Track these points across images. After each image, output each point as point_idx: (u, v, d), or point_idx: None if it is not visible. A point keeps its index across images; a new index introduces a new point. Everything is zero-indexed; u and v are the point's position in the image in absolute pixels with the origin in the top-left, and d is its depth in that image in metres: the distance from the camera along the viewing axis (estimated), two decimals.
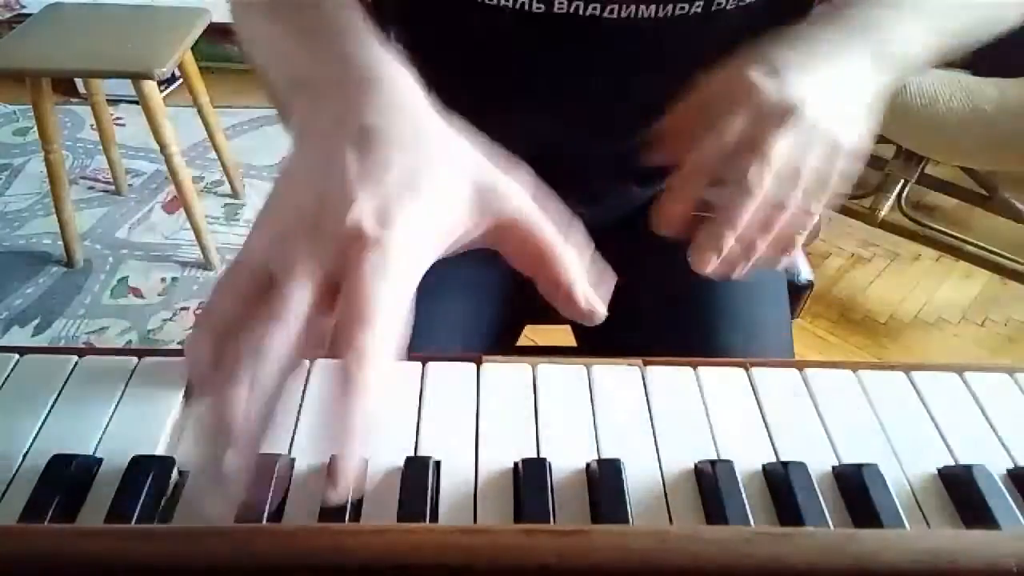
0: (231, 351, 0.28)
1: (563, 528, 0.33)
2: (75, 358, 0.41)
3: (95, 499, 0.35)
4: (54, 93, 1.55)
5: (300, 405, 0.39)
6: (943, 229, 1.73)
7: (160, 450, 0.37)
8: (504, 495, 0.36)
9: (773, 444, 0.39)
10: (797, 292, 0.75)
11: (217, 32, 1.75)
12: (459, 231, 0.32)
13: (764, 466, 0.37)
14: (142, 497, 0.34)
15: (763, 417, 0.40)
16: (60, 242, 1.72)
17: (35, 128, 1.56)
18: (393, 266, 0.29)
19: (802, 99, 0.39)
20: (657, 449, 0.38)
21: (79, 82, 2.22)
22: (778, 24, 0.55)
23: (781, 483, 0.36)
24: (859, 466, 0.37)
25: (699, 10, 0.48)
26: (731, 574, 0.28)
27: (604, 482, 0.36)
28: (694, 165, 0.42)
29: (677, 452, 0.38)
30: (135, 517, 0.33)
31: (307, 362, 0.41)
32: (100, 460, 0.36)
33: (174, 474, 0.36)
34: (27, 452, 0.37)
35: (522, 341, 0.79)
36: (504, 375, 0.42)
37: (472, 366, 0.42)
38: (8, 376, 0.40)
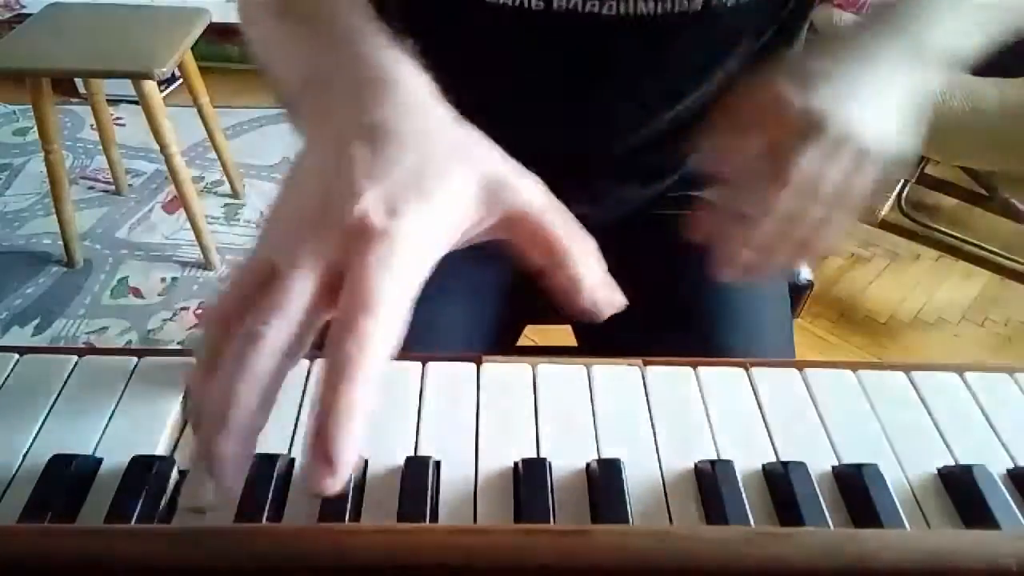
0: (230, 342, 0.28)
1: (563, 528, 0.33)
2: (75, 358, 0.41)
3: (95, 499, 0.35)
4: (54, 93, 1.55)
5: (300, 405, 0.39)
6: (943, 229, 1.73)
7: (160, 450, 0.37)
8: (504, 495, 0.36)
9: (773, 444, 0.39)
10: (797, 292, 0.75)
11: (217, 32, 1.75)
12: (467, 225, 0.31)
13: (764, 466, 0.37)
14: (142, 497, 0.34)
15: (763, 417, 0.40)
16: (60, 242, 1.72)
17: (35, 128, 1.56)
18: (399, 258, 0.28)
19: (829, 110, 0.38)
20: (657, 449, 0.38)
21: (79, 82, 2.22)
22: (777, 22, 0.55)
23: (781, 483, 0.36)
24: (859, 466, 0.37)
25: (698, 7, 0.48)
26: (731, 574, 0.28)
27: (604, 482, 0.36)
28: (729, 185, 0.42)
29: (677, 452, 0.38)
30: (135, 517, 0.33)
31: (307, 362, 0.42)
32: (100, 460, 0.36)
33: (174, 474, 0.36)
34: (27, 452, 0.37)
35: (522, 341, 0.79)
36: (504, 375, 0.42)
37: (472, 366, 0.42)
38: (8, 376, 0.40)
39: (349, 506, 0.34)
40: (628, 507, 0.35)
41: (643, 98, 0.57)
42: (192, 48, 1.59)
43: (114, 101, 2.09)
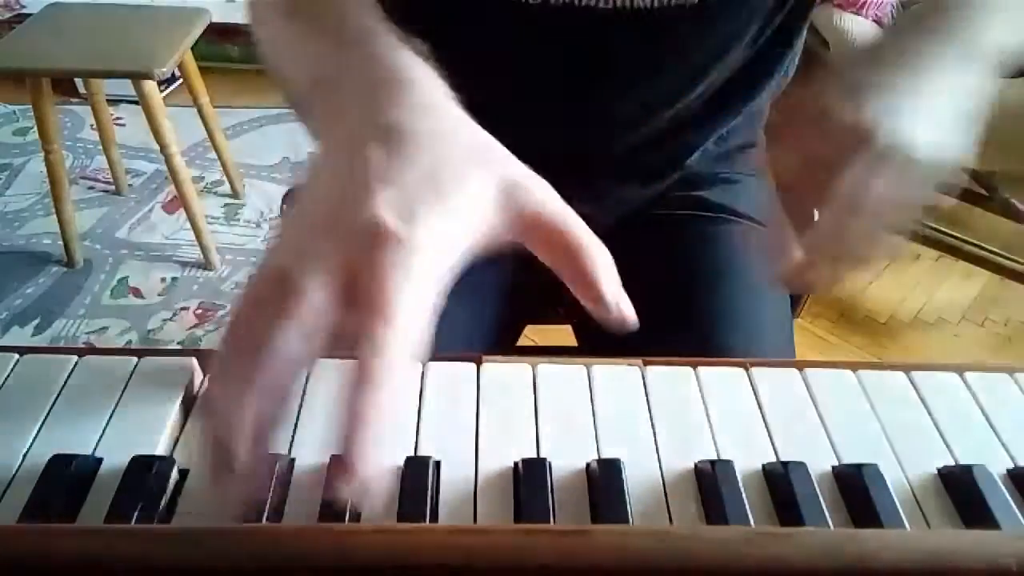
0: (248, 350, 0.27)
1: (563, 528, 0.33)
2: (75, 358, 0.41)
3: (95, 499, 0.35)
4: (54, 93, 1.55)
5: (300, 405, 0.39)
6: (943, 229, 1.73)
7: (160, 450, 0.37)
8: (504, 495, 0.36)
9: (773, 444, 0.39)
10: (797, 292, 0.75)
11: (217, 32, 1.75)
12: (484, 228, 0.31)
13: (764, 466, 0.37)
14: (142, 497, 0.34)
15: (763, 417, 0.40)
16: (60, 242, 1.72)
17: (35, 128, 1.56)
18: (416, 264, 0.28)
19: (879, 123, 0.37)
20: (657, 449, 0.38)
21: (79, 82, 2.22)
22: (775, 19, 0.54)
23: (781, 483, 0.36)
24: (859, 466, 0.37)
25: (695, 1, 0.48)
26: (731, 574, 0.28)
27: (604, 482, 0.36)
28: (775, 199, 0.41)
29: (677, 452, 0.38)
30: (135, 517, 0.33)
31: None
32: (100, 460, 0.36)
33: (174, 474, 0.36)
34: (27, 452, 0.37)
35: (522, 341, 0.79)
36: (504, 375, 0.42)
37: (472, 366, 0.42)
38: (8, 376, 0.40)
39: (349, 506, 0.34)
40: (628, 507, 0.35)
41: (642, 96, 0.57)
42: (192, 48, 1.59)
43: (114, 101, 2.09)
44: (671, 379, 0.42)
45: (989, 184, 1.66)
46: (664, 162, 0.65)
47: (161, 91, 1.74)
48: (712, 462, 0.36)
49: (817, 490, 0.36)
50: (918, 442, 0.39)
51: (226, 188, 1.99)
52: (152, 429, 0.38)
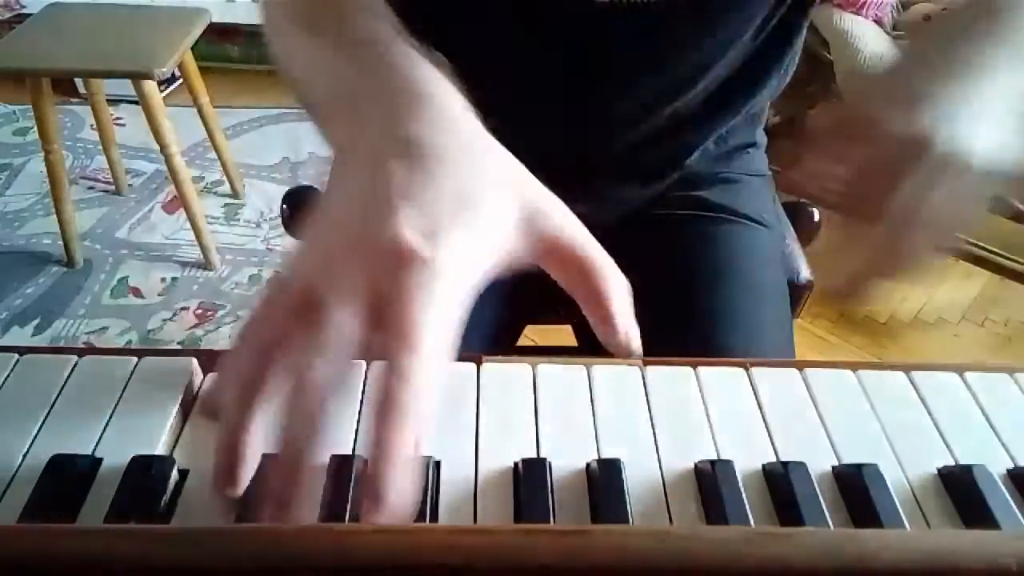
0: (275, 372, 0.28)
1: (563, 528, 0.33)
2: (75, 358, 0.41)
3: (95, 499, 0.35)
4: (54, 93, 1.55)
5: None
6: None
7: (160, 450, 0.37)
8: (504, 495, 0.36)
9: (773, 444, 0.39)
10: (797, 292, 0.75)
11: (217, 32, 1.76)
12: (503, 249, 0.31)
13: (764, 466, 0.37)
14: (142, 497, 0.34)
15: (763, 417, 0.40)
16: (60, 242, 1.72)
17: (35, 128, 1.56)
18: (440, 287, 0.28)
19: (934, 133, 0.35)
20: (657, 449, 0.38)
21: (79, 82, 2.22)
22: (773, 16, 0.54)
23: (781, 483, 0.36)
24: (859, 466, 0.37)
25: None
26: (731, 574, 0.28)
27: (604, 482, 0.36)
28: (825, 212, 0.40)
29: (677, 452, 0.38)
30: (135, 517, 0.33)
31: None
32: (100, 460, 0.36)
33: (174, 474, 0.36)
34: (27, 452, 0.37)
35: (522, 341, 0.79)
36: (504, 375, 0.42)
37: (472, 366, 0.42)
38: (8, 376, 0.40)
39: (349, 506, 0.34)
40: (628, 507, 0.35)
41: (642, 94, 0.57)
42: (192, 48, 1.60)
43: (114, 101, 2.09)
44: (671, 379, 0.42)
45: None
46: (664, 162, 0.65)
47: (161, 91, 1.74)
48: (712, 462, 0.36)
49: (817, 490, 0.36)
50: (918, 442, 0.39)
51: (226, 188, 1.99)
52: (152, 429, 0.38)
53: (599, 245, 0.33)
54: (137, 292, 1.70)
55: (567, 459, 0.37)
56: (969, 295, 1.73)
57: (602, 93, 0.57)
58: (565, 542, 0.28)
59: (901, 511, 0.35)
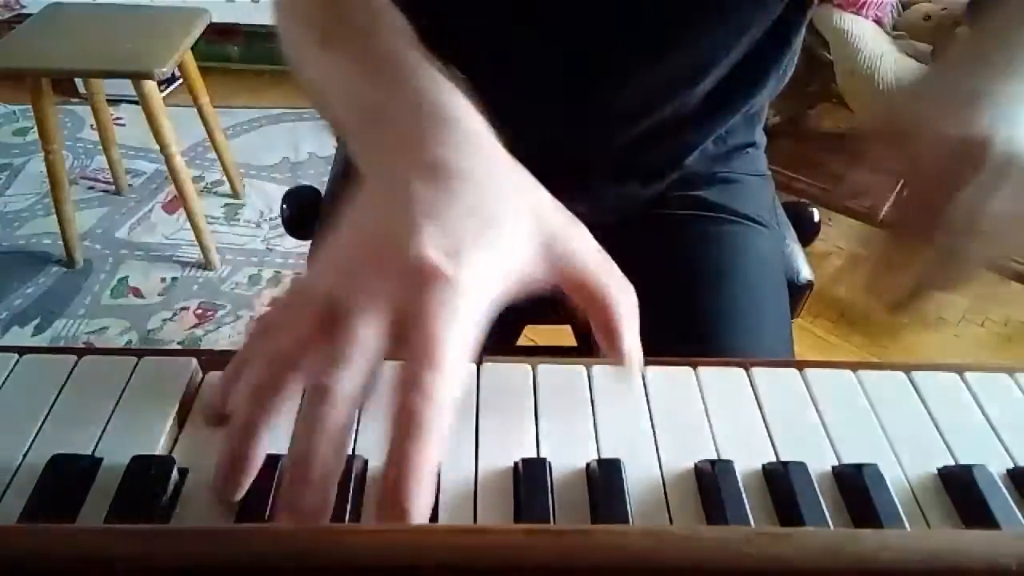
0: (292, 380, 0.28)
1: (563, 528, 0.33)
2: (75, 358, 0.41)
3: (95, 499, 0.35)
4: (54, 93, 1.55)
5: (300, 406, 0.39)
6: None
7: (160, 450, 0.37)
8: (504, 495, 0.36)
9: (773, 444, 0.39)
10: (797, 292, 0.75)
11: (217, 32, 1.76)
12: (522, 271, 0.32)
13: (764, 466, 0.37)
14: (142, 497, 0.34)
15: (763, 417, 0.40)
16: (60, 242, 1.72)
17: (35, 128, 1.56)
18: (462, 306, 0.29)
19: (993, 135, 0.34)
20: (657, 449, 0.38)
21: (79, 82, 2.22)
22: (771, 14, 0.54)
23: (781, 483, 0.36)
24: (859, 466, 0.37)
25: None
26: (731, 574, 0.28)
27: (604, 482, 0.36)
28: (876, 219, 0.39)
29: (677, 452, 0.38)
30: (135, 517, 0.33)
31: None
32: (100, 460, 0.36)
33: (174, 474, 0.36)
34: (27, 452, 0.37)
35: (522, 341, 0.79)
36: (504, 375, 0.42)
37: (472, 366, 0.42)
38: (8, 376, 0.40)
39: (349, 506, 0.34)
40: (628, 507, 0.35)
41: (640, 92, 0.57)
42: (192, 48, 1.60)
43: (114, 101, 2.09)
44: (671, 379, 0.42)
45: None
46: (663, 161, 0.65)
47: (161, 91, 1.74)
48: (712, 462, 0.36)
49: (817, 490, 0.36)
50: (918, 442, 0.39)
51: (226, 188, 1.99)
52: (152, 429, 0.38)
53: (614, 269, 0.34)
54: (137, 292, 1.70)
55: (567, 459, 0.37)
56: (969, 295, 1.73)
57: (602, 92, 0.57)
58: (565, 542, 0.28)
59: (901, 511, 0.35)
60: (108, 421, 0.38)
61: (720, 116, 0.63)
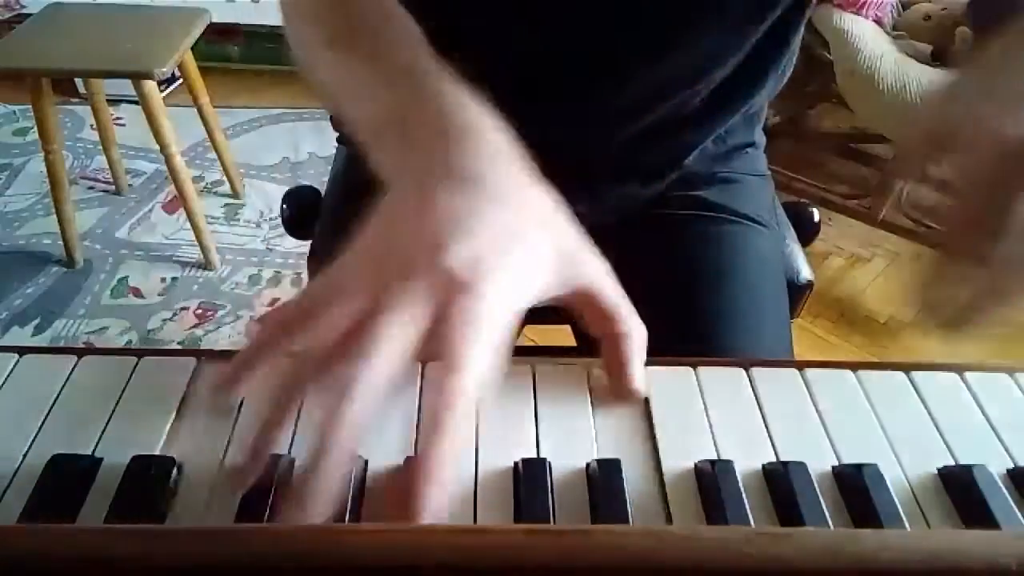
0: (318, 379, 0.29)
1: (563, 528, 0.33)
2: (75, 358, 0.41)
3: (95, 499, 0.35)
4: (54, 93, 1.55)
5: (299, 406, 0.39)
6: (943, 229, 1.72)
7: (160, 450, 0.37)
8: (504, 495, 0.36)
9: (773, 444, 0.39)
10: (797, 292, 0.75)
11: (217, 32, 1.76)
12: (543, 289, 0.33)
13: (764, 466, 0.37)
14: (142, 497, 0.34)
15: (763, 417, 0.40)
16: (60, 242, 1.72)
17: (35, 128, 1.56)
18: (487, 317, 0.29)
19: None
20: (657, 449, 0.38)
21: (79, 82, 2.22)
22: (770, 12, 0.54)
23: (781, 483, 0.36)
24: (859, 466, 0.37)
25: None
26: (731, 574, 0.28)
27: (604, 482, 0.36)
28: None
29: (677, 452, 0.38)
30: (135, 517, 0.33)
31: None
32: (100, 460, 0.36)
33: (174, 474, 0.36)
34: (27, 452, 0.37)
35: (522, 341, 0.79)
36: (504, 375, 0.42)
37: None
38: (8, 376, 0.40)
39: (349, 506, 0.34)
40: (628, 507, 0.35)
41: (640, 91, 0.57)
42: (192, 48, 1.59)
43: (114, 101, 2.09)
44: (671, 379, 0.42)
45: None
46: (663, 161, 0.65)
47: (161, 91, 1.74)
48: (712, 462, 0.36)
49: (817, 490, 0.36)
50: (918, 442, 0.39)
51: (226, 188, 1.99)
52: (152, 429, 0.38)
53: (625, 297, 0.35)
54: (137, 292, 1.70)
55: (567, 459, 0.37)
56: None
57: (602, 92, 0.57)
58: (565, 542, 0.28)
59: (901, 511, 0.35)
60: (108, 421, 0.38)
61: (719, 116, 0.63)
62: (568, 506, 0.35)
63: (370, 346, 0.28)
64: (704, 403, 0.41)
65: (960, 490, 0.36)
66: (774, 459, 0.38)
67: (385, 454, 0.37)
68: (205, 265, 1.75)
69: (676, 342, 0.54)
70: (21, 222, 1.89)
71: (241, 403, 0.39)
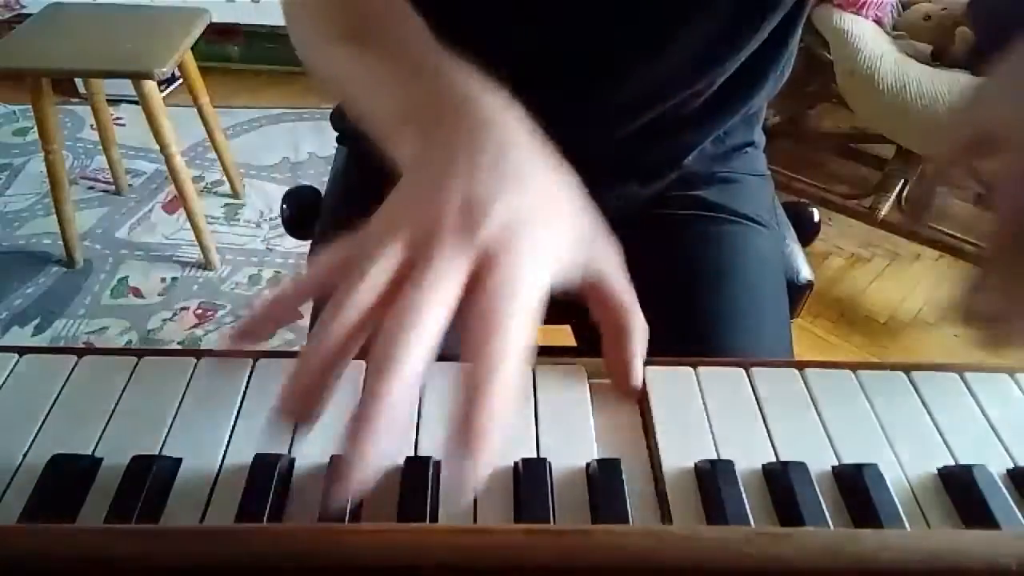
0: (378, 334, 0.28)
1: (563, 528, 0.33)
2: (75, 358, 0.41)
3: (95, 499, 0.35)
4: (54, 93, 1.55)
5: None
6: (943, 229, 1.73)
7: (160, 450, 0.37)
8: (504, 495, 0.36)
9: (773, 444, 0.39)
10: (797, 292, 0.75)
11: (217, 32, 1.76)
12: (564, 269, 0.33)
13: (764, 466, 0.37)
14: (142, 497, 0.34)
15: (763, 417, 0.40)
16: (60, 242, 1.72)
17: (35, 128, 1.56)
18: (522, 285, 0.29)
19: None
20: (657, 449, 0.38)
21: (79, 82, 2.22)
22: (772, 14, 0.54)
23: (781, 483, 0.36)
24: (859, 466, 0.37)
25: None
26: (731, 574, 0.28)
27: (604, 482, 0.36)
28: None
29: (677, 452, 0.38)
30: (135, 517, 0.33)
31: None
32: (100, 460, 0.36)
33: (174, 474, 0.36)
34: (27, 452, 0.37)
35: None
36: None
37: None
38: (8, 376, 0.40)
39: (349, 506, 0.34)
40: (628, 507, 0.35)
41: (639, 89, 0.57)
42: (192, 48, 1.59)
43: (114, 101, 2.09)
44: (671, 379, 0.42)
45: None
46: (662, 161, 0.65)
47: (161, 91, 1.74)
48: (712, 462, 0.36)
49: (817, 490, 0.36)
50: (918, 442, 0.39)
51: (226, 188, 1.99)
52: (152, 429, 0.38)
53: (632, 293, 0.35)
54: (137, 292, 1.70)
55: (567, 459, 0.37)
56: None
57: (601, 90, 0.57)
58: (565, 542, 0.28)
59: (901, 511, 0.35)
60: (108, 421, 0.38)
61: (719, 117, 0.63)
62: (568, 506, 0.35)
63: (421, 297, 0.28)
64: (704, 403, 0.41)
65: (960, 490, 0.36)
66: (774, 459, 0.38)
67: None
68: (205, 265, 1.75)
69: (676, 342, 0.54)
70: (21, 222, 1.89)
71: (241, 403, 0.39)
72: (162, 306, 1.66)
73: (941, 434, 0.40)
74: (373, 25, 0.41)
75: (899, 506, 0.35)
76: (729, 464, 0.36)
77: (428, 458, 0.36)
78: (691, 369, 0.43)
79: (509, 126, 0.34)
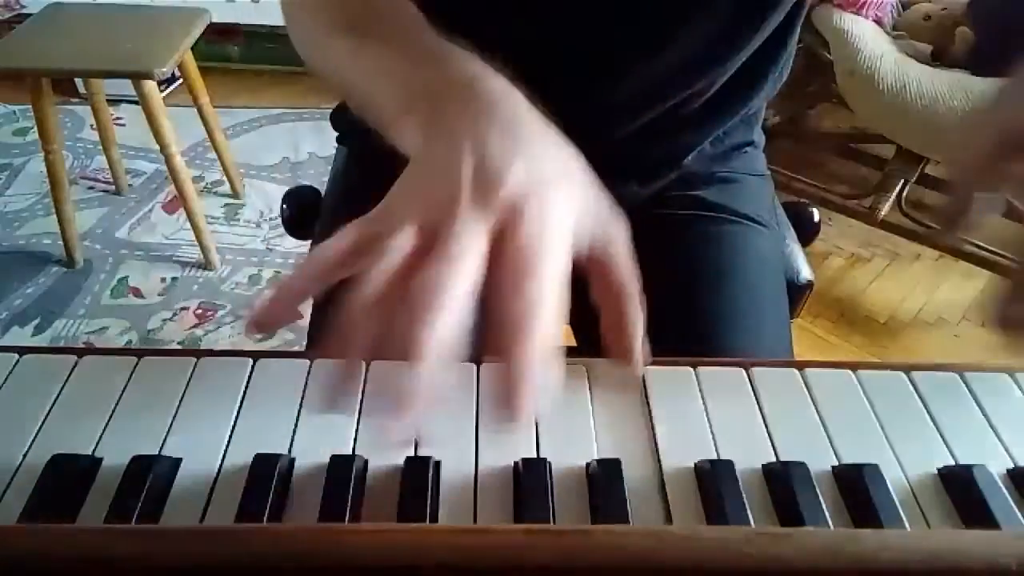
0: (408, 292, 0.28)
1: (563, 528, 0.33)
2: (75, 358, 0.41)
3: (95, 499, 0.35)
4: (54, 93, 1.54)
5: (300, 405, 0.39)
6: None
7: (160, 450, 0.37)
8: (504, 495, 0.36)
9: (773, 444, 0.39)
10: (797, 292, 0.75)
11: (217, 32, 1.76)
12: (582, 231, 0.33)
13: (764, 466, 0.37)
14: (142, 497, 0.34)
15: (763, 417, 0.40)
16: (60, 242, 1.72)
17: (35, 128, 1.56)
18: (550, 234, 0.30)
19: None
20: (657, 449, 0.38)
21: (79, 82, 2.22)
22: (771, 15, 0.54)
23: (781, 483, 0.36)
24: (859, 466, 0.37)
25: None
26: (731, 574, 0.28)
27: (604, 482, 0.36)
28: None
29: (677, 452, 0.38)
30: (135, 517, 0.33)
31: (308, 362, 0.42)
32: (100, 460, 0.36)
33: (174, 474, 0.36)
34: (27, 452, 0.37)
35: None
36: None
37: (472, 366, 0.42)
38: (8, 376, 0.40)
39: (349, 506, 0.34)
40: (628, 507, 0.35)
41: (638, 87, 0.57)
42: (192, 48, 1.59)
43: (114, 101, 2.09)
44: (671, 379, 0.42)
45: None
46: (662, 161, 0.65)
47: (161, 91, 1.74)
48: (712, 462, 0.36)
49: (817, 490, 0.36)
50: (918, 442, 0.39)
51: (226, 188, 1.99)
52: (153, 429, 0.38)
53: (634, 273, 0.35)
54: (137, 292, 1.70)
55: (567, 459, 0.37)
56: (969, 295, 1.73)
57: (600, 89, 0.57)
58: (565, 542, 0.28)
59: (901, 511, 0.35)
60: (108, 421, 0.38)
61: (718, 117, 0.63)
62: (568, 506, 0.35)
63: (452, 254, 0.28)
64: (704, 403, 0.41)
65: (960, 490, 0.36)
66: (774, 459, 0.38)
67: (385, 455, 0.37)
68: (205, 265, 1.75)
69: (676, 342, 0.54)
70: (21, 222, 1.89)
71: (241, 403, 0.39)
72: (162, 306, 1.66)
73: (941, 434, 0.40)
74: (373, 17, 0.41)
75: (899, 506, 0.35)
76: (729, 464, 0.36)
77: (428, 458, 0.36)
78: (691, 369, 0.43)
79: (517, 104, 0.35)
